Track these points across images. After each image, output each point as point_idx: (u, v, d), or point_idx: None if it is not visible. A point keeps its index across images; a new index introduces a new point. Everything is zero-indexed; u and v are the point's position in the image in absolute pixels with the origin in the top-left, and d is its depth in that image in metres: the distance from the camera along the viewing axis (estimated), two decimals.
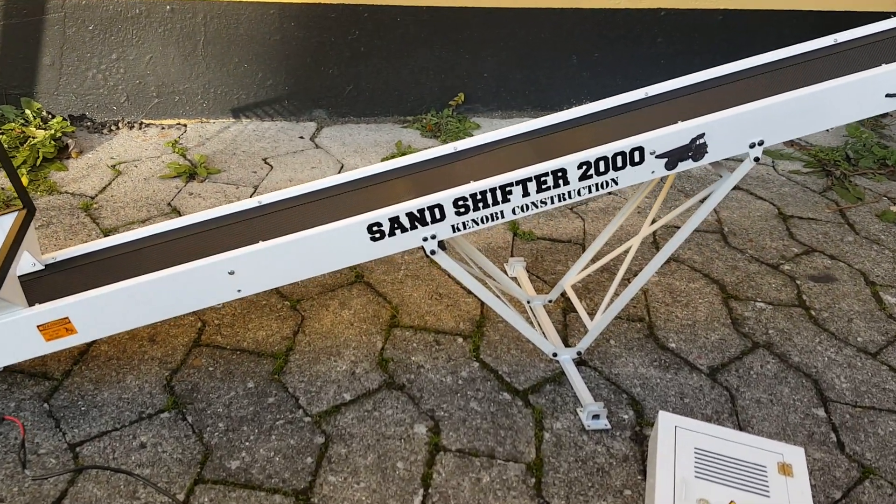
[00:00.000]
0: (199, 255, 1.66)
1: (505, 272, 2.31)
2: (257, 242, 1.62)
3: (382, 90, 3.21)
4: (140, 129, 3.01)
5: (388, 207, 1.62)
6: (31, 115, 2.84)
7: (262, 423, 1.72)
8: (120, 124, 3.00)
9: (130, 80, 2.94)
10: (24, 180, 2.53)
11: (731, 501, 1.45)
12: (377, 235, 1.62)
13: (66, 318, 1.61)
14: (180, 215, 2.47)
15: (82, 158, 2.77)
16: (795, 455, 1.57)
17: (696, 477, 1.50)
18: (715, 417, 1.82)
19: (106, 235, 2.34)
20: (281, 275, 1.65)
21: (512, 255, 2.38)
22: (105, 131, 2.96)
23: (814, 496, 1.63)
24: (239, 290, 1.65)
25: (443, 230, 1.64)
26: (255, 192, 2.64)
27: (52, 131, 2.74)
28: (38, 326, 1.61)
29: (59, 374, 1.83)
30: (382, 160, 2.91)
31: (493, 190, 1.62)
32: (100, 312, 1.62)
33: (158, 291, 1.62)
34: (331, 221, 1.64)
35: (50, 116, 2.91)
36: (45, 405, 1.74)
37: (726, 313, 2.18)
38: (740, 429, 1.80)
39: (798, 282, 2.34)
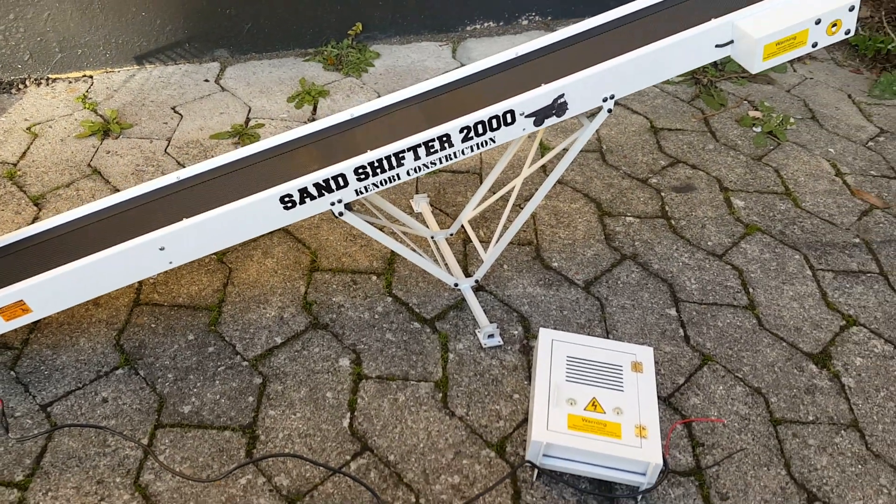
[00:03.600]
0: (130, 233, 1.88)
1: (411, 208, 2.59)
2: (181, 219, 1.85)
3: (281, 25, 3.32)
4: (48, 84, 3.07)
5: (297, 180, 1.86)
6: None
7: (206, 371, 2.01)
8: (27, 82, 3.06)
9: (31, 38, 2.98)
10: None
11: (593, 397, 1.83)
12: (289, 205, 1.87)
13: (21, 300, 1.83)
14: (101, 176, 2.64)
15: None
16: (645, 354, 1.95)
17: (566, 381, 1.86)
18: (587, 325, 2.20)
19: (35, 203, 2.50)
20: (206, 245, 1.89)
21: (417, 192, 2.65)
22: (13, 91, 3.02)
23: (661, 383, 2.04)
24: (170, 262, 1.89)
25: (347, 195, 1.90)
26: (168, 144, 2.80)
27: None
28: None
29: (18, 343, 2.06)
30: (288, 100, 3.08)
31: (388, 157, 1.87)
32: (50, 293, 1.85)
33: (100, 270, 1.84)
34: (246, 193, 1.88)
35: None
36: (12, 373, 1.98)
37: (601, 230, 2.53)
38: (608, 332, 2.18)
39: (662, 194, 2.70)
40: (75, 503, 1.71)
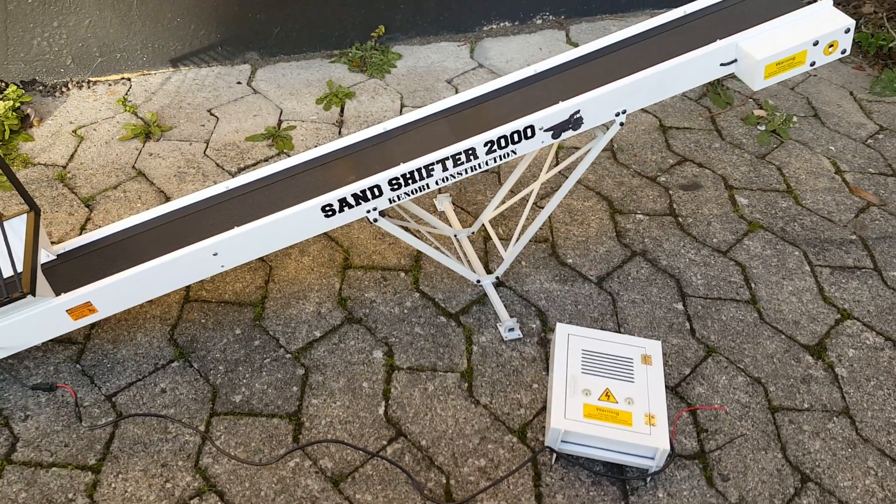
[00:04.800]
0: (185, 240, 2.07)
1: (434, 206, 2.76)
2: (232, 227, 2.04)
3: (308, 28, 3.48)
4: (89, 87, 3.25)
5: (337, 190, 2.04)
6: None
7: (254, 363, 2.21)
8: (69, 84, 3.24)
9: (73, 43, 3.16)
10: None
11: (606, 388, 2.02)
12: (329, 213, 2.05)
13: (89, 302, 2.03)
14: (146, 178, 2.83)
15: (44, 125, 3.04)
16: (654, 347, 2.14)
17: (582, 373, 2.06)
18: (600, 319, 2.38)
19: (86, 204, 2.70)
20: (255, 251, 2.08)
21: (440, 192, 2.83)
22: (57, 93, 3.20)
23: (669, 374, 2.23)
24: (222, 266, 2.08)
25: (382, 203, 2.08)
26: (207, 147, 2.98)
27: (11, 102, 2.98)
28: (67, 311, 2.03)
29: (81, 338, 2.27)
30: (316, 102, 3.25)
31: (419, 169, 2.05)
32: (115, 294, 2.04)
33: (160, 274, 2.04)
34: (290, 202, 2.07)
35: (4, 85, 3.13)
36: (78, 366, 2.19)
37: (612, 227, 2.71)
38: (619, 326, 2.36)
39: (671, 192, 2.87)
40: (143, 484, 1.92)
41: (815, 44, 2.02)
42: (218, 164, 2.90)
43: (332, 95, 3.26)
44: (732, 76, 3.49)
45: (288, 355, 2.24)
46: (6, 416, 2.07)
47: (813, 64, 2.06)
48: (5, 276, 1.95)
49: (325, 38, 3.52)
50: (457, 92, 3.33)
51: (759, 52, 2.02)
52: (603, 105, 2.07)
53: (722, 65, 2.10)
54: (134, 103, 3.19)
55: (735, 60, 2.09)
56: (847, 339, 2.35)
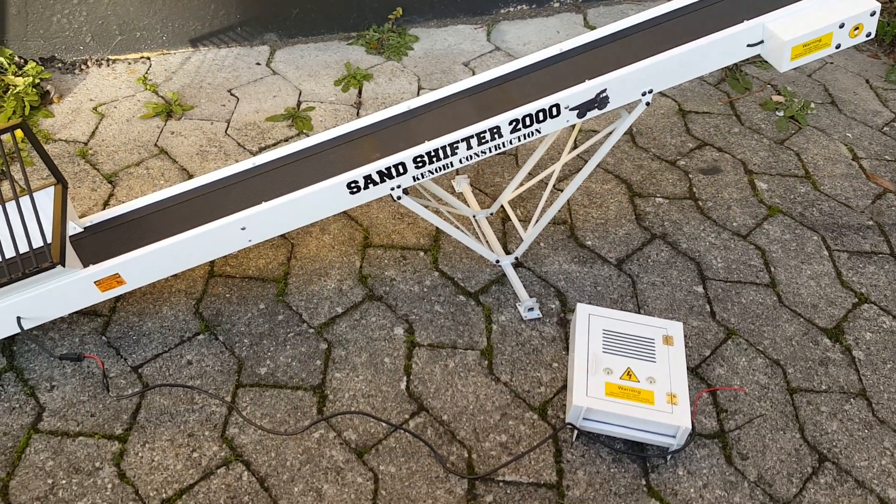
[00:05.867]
0: (212, 215, 2.09)
1: (452, 188, 2.78)
2: (260, 202, 2.06)
3: (326, 10, 3.48)
4: (108, 65, 3.27)
5: (362, 167, 2.05)
6: (5, 63, 3.07)
7: (278, 337, 2.23)
8: (88, 62, 3.26)
9: (93, 21, 3.17)
10: (20, 132, 2.82)
11: (628, 367, 2.04)
12: (354, 190, 2.07)
13: (117, 273, 2.05)
14: (168, 156, 2.84)
15: (64, 102, 3.06)
16: (675, 328, 2.15)
17: (603, 352, 2.07)
18: (620, 300, 2.39)
19: (108, 181, 2.71)
20: (282, 225, 2.10)
21: (458, 173, 2.84)
22: (76, 71, 3.21)
23: (689, 355, 2.24)
24: (250, 240, 2.10)
25: (406, 181, 2.10)
26: (228, 126, 3.00)
27: (31, 78, 2.99)
28: (94, 282, 2.05)
29: (106, 310, 2.29)
30: (335, 83, 3.26)
31: (443, 147, 2.06)
32: (143, 267, 2.06)
33: (188, 247, 2.06)
34: (315, 179, 2.08)
35: (23, 62, 3.14)
36: (104, 337, 2.21)
37: (632, 210, 2.72)
38: (639, 307, 2.38)
39: (690, 176, 2.88)
40: (170, 454, 1.94)
41: (841, 26, 2.02)
42: (239, 144, 2.91)
43: (349, 77, 3.27)
44: (750, 61, 3.50)
45: (311, 330, 2.26)
46: (32, 385, 2.09)
47: (838, 46, 2.07)
48: (35, 246, 1.97)
49: (343, 20, 3.53)
50: (473, 74, 3.34)
51: (787, 34, 2.02)
52: (630, 84, 2.08)
53: (749, 45, 2.11)
54: (154, 82, 3.20)
55: (762, 41, 2.09)
56: (864, 322, 2.37)
